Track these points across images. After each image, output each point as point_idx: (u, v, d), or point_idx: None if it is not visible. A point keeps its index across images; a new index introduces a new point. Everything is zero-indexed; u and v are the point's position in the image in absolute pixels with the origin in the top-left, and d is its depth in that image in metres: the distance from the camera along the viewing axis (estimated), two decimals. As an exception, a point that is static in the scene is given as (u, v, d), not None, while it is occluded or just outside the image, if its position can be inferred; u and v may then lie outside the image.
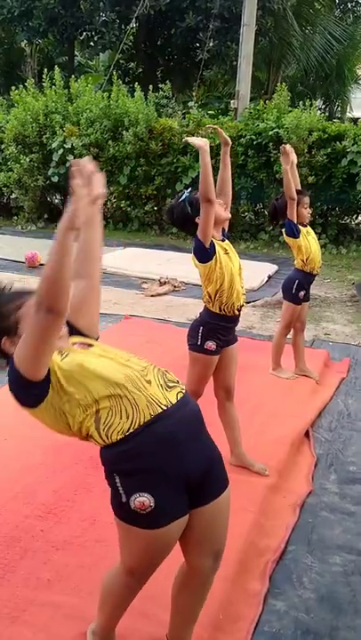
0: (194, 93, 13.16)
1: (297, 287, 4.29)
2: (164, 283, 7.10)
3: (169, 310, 6.18)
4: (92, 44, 17.52)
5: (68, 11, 15.40)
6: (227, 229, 3.17)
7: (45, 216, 11.40)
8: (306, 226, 4.29)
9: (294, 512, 2.77)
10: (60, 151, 10.41)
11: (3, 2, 15.76)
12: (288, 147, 4.00)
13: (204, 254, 2.88)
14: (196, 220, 2.84)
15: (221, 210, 2.98)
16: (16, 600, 2.13)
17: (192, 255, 2.96)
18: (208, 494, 1.76)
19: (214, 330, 3.00)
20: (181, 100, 11.20)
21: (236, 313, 3.06)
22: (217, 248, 2.91)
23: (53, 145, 10.48)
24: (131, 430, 1.61)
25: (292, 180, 4.03)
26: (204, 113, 10.83)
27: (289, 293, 4.34)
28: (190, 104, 10.68)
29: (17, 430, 3.33)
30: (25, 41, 18.21)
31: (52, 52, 20.75)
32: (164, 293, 6.88)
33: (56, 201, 11.89)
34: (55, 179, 10.67)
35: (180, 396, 1.72)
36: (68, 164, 10.44)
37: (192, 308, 6.18)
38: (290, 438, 3.41)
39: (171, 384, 1.75)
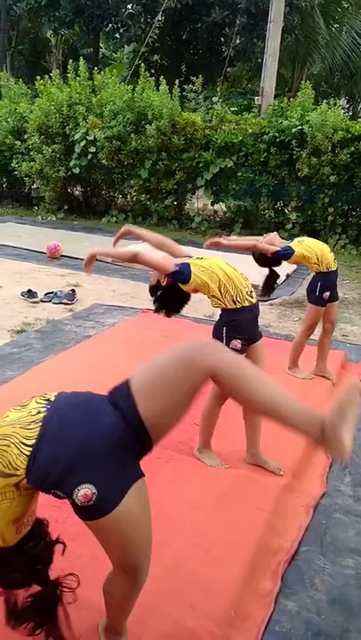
0: (218, 89, 13.09)
1: (320, 289, 4.25)
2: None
3: (186, 306, 6.17)
4: (117, 36, 17.53)
5: (95, 2, 15.43)
6: None
7: (65, 207, 11.43)
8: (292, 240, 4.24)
9: (308, 513, 2.76)
10: (83, 143, 10.42)
11: (30, -9, 15.81)
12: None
13: (182, 278, 2.90)
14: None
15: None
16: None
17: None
18: None
19: (237, 327, 2.99)
20: (204, 95, 11.12)
21: (251, 300, 3.03)
22: (188, 261, 2.95)
23: (76, 136, 10.49)
24: None
25: (240, 243, 4.21)
26: (227, 109, 10.79)
27: (313, 296, 4.31)
28: (215, 99, 10.62)
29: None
30: (50, 31, 18.26)
31: (77, 44, 20.81)
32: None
33: (76, 192, 11.93)
34: (77, 170, 10.69)
35: None
36: (89, 156, 10.47)
37: (208, 305, 6.11)
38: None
39: None
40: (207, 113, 10.36)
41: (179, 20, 16.33)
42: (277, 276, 4.17)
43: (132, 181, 10.71)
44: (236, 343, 2.97)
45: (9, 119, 11.41)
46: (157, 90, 10.47)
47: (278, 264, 4.10)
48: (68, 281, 6.69)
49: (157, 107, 10.09)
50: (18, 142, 11.25)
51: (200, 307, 6.12)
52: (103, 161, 10.41)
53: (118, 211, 11.31)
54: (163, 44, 16.56)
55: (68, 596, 1.82)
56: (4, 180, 12.22)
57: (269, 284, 4.15)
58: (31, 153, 10.89)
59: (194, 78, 10.91)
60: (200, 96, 10.76)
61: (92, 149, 10.39)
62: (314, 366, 4.49)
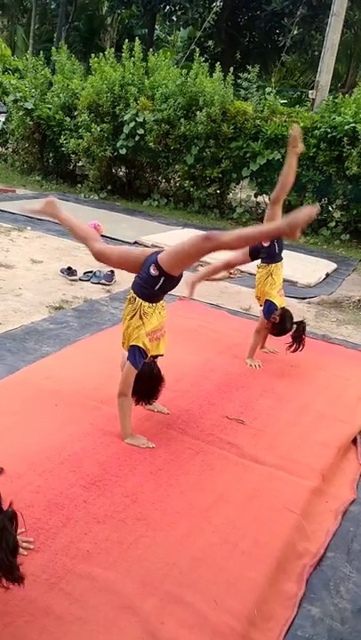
0: (273, 79, 12.91)
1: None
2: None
3: (222, 297, 6.13)
4: (173, 18, 17.41)
5: (155, -17, 15.30)
6: None
7: (108, 187, 11.43)
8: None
9: (336, 518, 2.73)
10: (132, 124, 10.38)
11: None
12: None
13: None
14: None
15: None
16: (55, 567, 2.15)
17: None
18: None
19: None
20: (257, 85, 10.98)
21: None
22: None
23: (125, 117, 10.45)
24: None
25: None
26: (278, 100, 10.63)
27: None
28: (268, 89, 10.47)
29: (68, 397, 3.38)
30: (107, 10, 18.20)
31: (133, 24, 20.70)
32: (220, 279, 6.81)
33: (120, 173, 11.91)
34: (123, 151, 10.66)
35: None
36: (137, 138, 10.43)
37: (246, 297, 6.12)
38: (336, 442, 3.35)
39: None
40: (259, 103, 10.23)
41: (237, 7, 16.13)
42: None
43: (176, 166, 10.64)
44: None
45: (61, 94, 11.41)
46: (211, 76, 10.36)
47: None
48: (106, 262, 6.69)
49: (209, 93, 9.98)
50: (67, 119, 11.26)
51: (239, 299, 6.09)
52: (150, 144, 10.36)
53: (160, 195, 11.27)
54: (219, 30, 16.38)
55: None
56: (51, 155, 12.26)
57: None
58: (80, 130, 10.88)
59: (250, 67, 10.76)
60: (254, 85, 10.62)
61: (141, 131, 10.34)
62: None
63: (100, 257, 3.12)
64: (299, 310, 5.91)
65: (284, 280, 4.52)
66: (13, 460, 2.70)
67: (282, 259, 4.31)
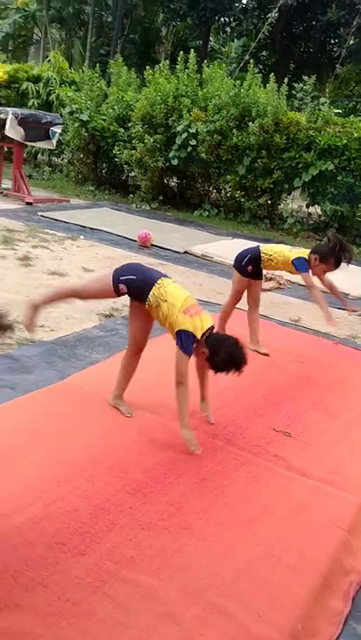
0: (327, 89, 12.81)
1: (247, 261, 4.58)
2: (270, 279, 7.00)
3: (271, 307, 6.09)
4: (228, 30, 17.50)
5: (210, -5, 15.45)
6: None
7: (160, 197, 11.54)
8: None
9: (384, 536, 2.66)
10: (184, 135, 10.47)
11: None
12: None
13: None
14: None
15: None
16: (99, 571, 2.17)
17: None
18: None
19: None
20: (312, 95, 10.92)
21: None
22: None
23: (178, 128, 10.55)
24: None
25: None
26: (332, 110, 10.54)
27: (238, 263, 4.61)
28: (322, 100, 10.40)
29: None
30: (162, 22, 18.45)
31: (187, 36, 20.91)
32: (268, 289, 6.79)
33: (172, 184, 12.01)
34: (175, 161, 10.75)
35: None
36: (189, 149, 10.51)
37: (295, 308, 6.07)
38: (387, 459, 3.28)
39: None
40: (313, 113, 10.16)
41: (292, 17, 16.10)
42: None
43: (228, 177, 10.67)
44: None
45: (115, 106, 11.61)
46: (264, 87, 10.36)
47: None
48: (157, 270, 6.76)
49: (263, 104, 9.98)
50: (121, 130, 11.44)
51: (287, 309, 6.05)
52: (202, 154, 10.42)
53: (211, 205, 11.31)
54: (273, 41, 16.38)
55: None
56: (105, 165, 12.47)
57: None
58: (133, 141, 11.04)
59: (306, 77, 10.72)
60: (308, 96, 10.57)
61: (193, 142, 10.42)
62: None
63: (83, 295, 3.48)
64: (350, 323, 5.83)
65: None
66: (61, 464, 2.75)
67: None
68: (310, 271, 4.43)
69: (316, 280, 4.58)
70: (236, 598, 2.13)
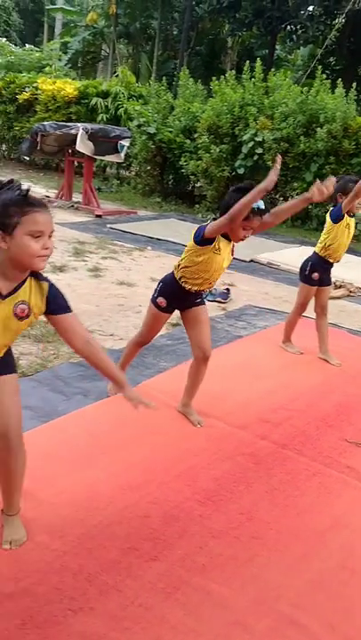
0: None
1: (310, 269, 4.45)
2: (339, 286, 6.88)
3: (341, 316, 5.98)
4: (294, 37, 17.40)
5: (275, 3, 15.42)
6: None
7: (226, 207, 11.54)
8: (352, 216, 4.42)
9: None
10: (251, 144, 10.47)
11: (213, -7, 16.20)
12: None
13: (202, 240, 3.07)
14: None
15: (240, 232, 3.07)
16: (171, 577, 2.19)
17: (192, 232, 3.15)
18: None
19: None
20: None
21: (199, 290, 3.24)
22: (215, 243, 3.05)
23: (244, 137, 10.56)
24: None
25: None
26: None
27: (302, 274, 4.53)
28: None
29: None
30: (228, 32, 18.54)
31: (253, 45, 20.93)
32: (338, 297, 6.67)
33: (238, 193, 11.99)
34: (241, 170, 10.76)
35: None
36: (255, 157, 10.48)
37: (365, 317, 5.94)
38: None
39: None
40: (382, 118, 9.97)
41: (359, 22, 15.84)
42: None
43: (295, 184, 10.58)
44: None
45: (182, 118, 11.75)
46: (332, 93, 10.23)
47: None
48: (222, 280, 6.76)
49: (331, 109, 9.86)
50: (188, 141, 11.55)
51: (358, 318, 5.92)
52: (269, 162, 10.38)
53: (278, 213, 11.21)
54: (341, 47, 16.16)
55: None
56: (171, 176, 12.61)
57: None
58: (199, 152, 11.13)
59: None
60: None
61: (259, 150, 10.40)
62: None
63: (144, 335, 3.53)
64: None
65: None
66: (131, 471, 2.80)
67: None
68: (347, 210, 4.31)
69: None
70: (308, 610, 2.10)
